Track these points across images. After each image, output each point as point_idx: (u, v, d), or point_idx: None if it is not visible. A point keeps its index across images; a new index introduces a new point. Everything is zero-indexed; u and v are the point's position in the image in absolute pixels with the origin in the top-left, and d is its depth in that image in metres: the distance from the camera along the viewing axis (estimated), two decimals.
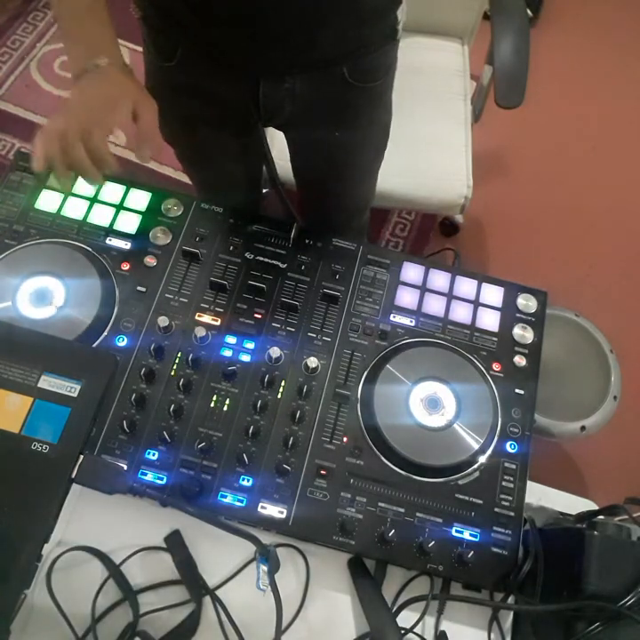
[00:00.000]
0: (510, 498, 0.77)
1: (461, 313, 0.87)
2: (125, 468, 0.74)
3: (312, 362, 0.79)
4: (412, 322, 0.85)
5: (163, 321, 0.79)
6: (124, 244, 0.86)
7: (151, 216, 0.88)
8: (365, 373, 0.81)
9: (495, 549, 0.75)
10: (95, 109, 0.68)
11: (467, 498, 0.76)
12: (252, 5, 0.71)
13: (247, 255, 0.87)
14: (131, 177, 0.91)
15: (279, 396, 0.79)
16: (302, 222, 0.89)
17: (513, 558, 0.74)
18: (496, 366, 0.84)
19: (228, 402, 0.78)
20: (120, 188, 0.89)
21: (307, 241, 0.89)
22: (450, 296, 0.88)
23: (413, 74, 1.47)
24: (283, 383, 0.80)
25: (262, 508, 0.74)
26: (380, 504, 0.75)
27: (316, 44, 0.79)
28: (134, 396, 0.76)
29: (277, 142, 1.35)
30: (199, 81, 0.86)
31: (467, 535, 0.75)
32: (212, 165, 1.09)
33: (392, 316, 0.85)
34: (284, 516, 0.74)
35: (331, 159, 1.00)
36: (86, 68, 0.69)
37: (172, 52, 0.83)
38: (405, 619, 0.74)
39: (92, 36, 0.72)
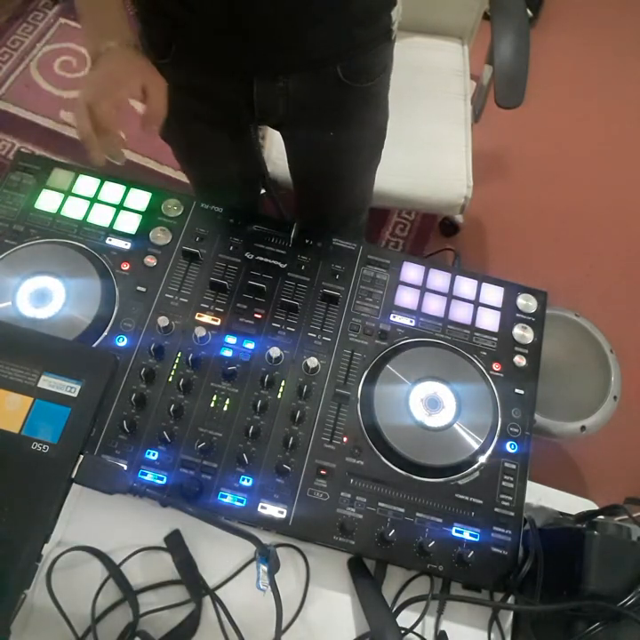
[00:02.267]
0: (510, 498, 0.77)
1: (461, 313, 0.87)
2: (125, 468, 0.74)
3: (312, 362, 0.79)
4: (412, 322, 0.85)
5: (163, 321, 0.79)
6: (124, 244, 0.86)
7: (151, 216, 0.88)
8: (365, 373, 0.81)
9: (495, 549, 0.75)
10: (103, 85, 0.70)
11: (467, 498, 0.76)
12: (242, 4, 0.72)
13: (247, 255, 0.87)
14: (131, 177, 0.91)
15: (279, 396, 0.79)
16: (299, 222, 0.89)
17: (513, 558, 0.74)
18: (496, 366, 0.84)
19: (227, 402, 0.78)
20: (120, 188, 0.90)
21: (307, 241, 0.89)
22: (450, 296, 0.88)
23: (413, 74, 1.47)
24: (283, 383, 0.80)
25: (262, 508, 0.74)
26: (380, 504, 0.75)
27: (308, 44, 0.79)
28: (134, 395, 0.76)
29: (277, 142, 1.35)
30: (193, 79, 0.86)
31: (467, 535, 0.75)
32: (209, 164, 1.09)
33: (392, 316, 0.85)
34: (284, 516, 0.74)
35: (326, 159, 1.00)
36: (99, 51, 0.72)
37: (166, 50, 0.83)
38: (405, 619, 0.74)
39: (103, 18, 0.74)
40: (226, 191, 1.13)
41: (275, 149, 1.36)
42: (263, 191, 1.34)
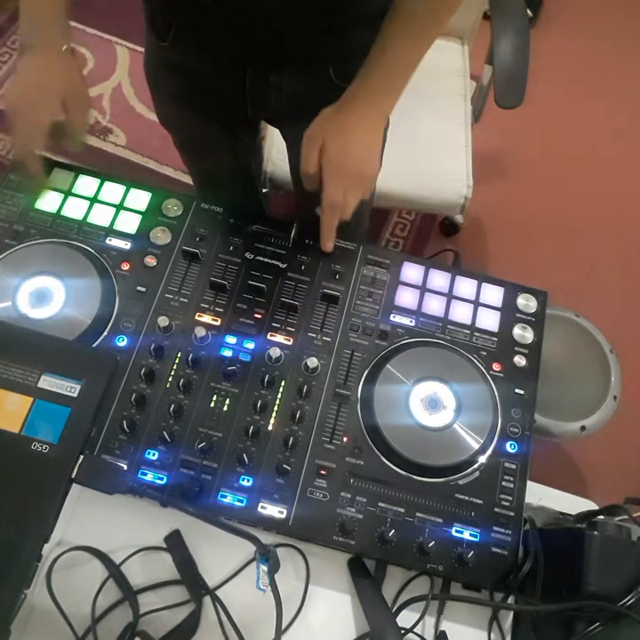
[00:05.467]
0: (510, 498, 0.77)
1: (461, 313, 0.87)
2: (125, 468, 0.74)
3: (312, 362, 0.79)
4: (412, 322, 0.85)
5: (163, 321, 0.79)
6: (124, 244, 0.86)
7: (151, 216, 0.88)
8: (365, 373, 0.81)
9: (495, 549, 0.75)
10: (25, 108, 0.73)
11: (467, 498, 0.76)
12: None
13: (247, 255, 0.87)
14: (131, 177, 0.91)
15: (279, 396, 0.79)
16: (299, 223, 0.89)
17: (513, 558, 0.74)
18: (496, 366, 0.84)
19: (227, 402, 0.78)
20: (120, 188, 0.90)
21: (307, 241, 0.89)
22: (450, 296, 0.88)
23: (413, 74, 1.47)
24: (283, 383, 0.80)
25: (262, 507, 0.74)
26: (380, 504, 0.75)
27: (301, 43, 0.80)
28: (134, 395, 0.76)
29: (277, 141, 1.35)
30: (190, 63, 0.88)
31: (467, 535, 0.75)
32: (207, 155, 1.09)
33: (392, 316, 0.85)
34: (284, 515, 0.74)
35: None
36: (26, 45, 0.73)
37: (166, 32, 0.85)
38: (405, 619, 0.74)
39: (39, 11, 0.74)
40: (223, 186, 1.13)
41: (275, 149, 1.36)
42: (265, 190, 1.34)
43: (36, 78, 0.74)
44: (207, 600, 0.74)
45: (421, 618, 0.74)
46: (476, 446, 0.77)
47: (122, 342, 0.80)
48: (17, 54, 0.78)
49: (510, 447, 0.79)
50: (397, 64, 0.75)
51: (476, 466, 0.77)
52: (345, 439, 0.78)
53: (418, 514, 0.75)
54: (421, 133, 1.43)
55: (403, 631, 0.73)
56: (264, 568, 0.63)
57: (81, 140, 0.80)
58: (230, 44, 0.82)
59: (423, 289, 0.88)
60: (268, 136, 1.39)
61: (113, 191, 0.89)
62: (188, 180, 1.28)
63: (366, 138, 0.78)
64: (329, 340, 0.83)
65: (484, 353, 0.84)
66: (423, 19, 0.73)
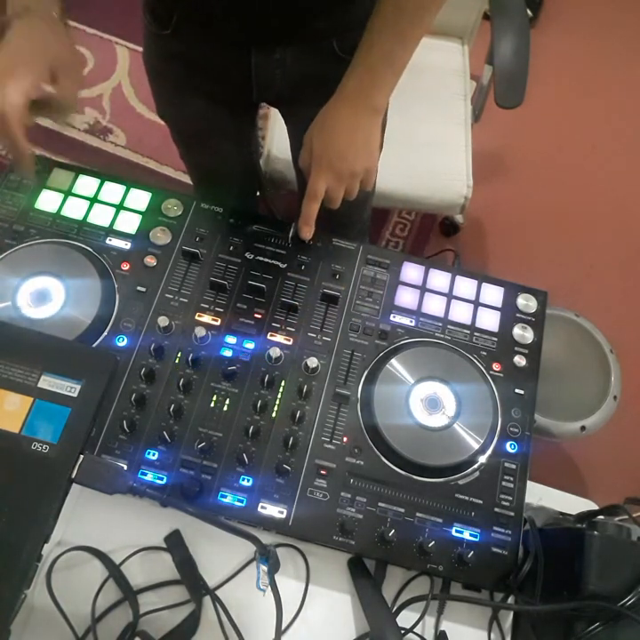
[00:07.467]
0: (510, 498, 0.77)
1: (461, 313, 0.87)
2: (125, 467, 0.74)
3: (312, 362, 0.79)
4: (412, 322, 0.85)
5: (163, 321, 0.79)
6: (124, 244, 0.86)
7: (151, 216, 0.88)
8: (365, 373, 0.81)
9: (495, 549, 0.75)
10: (9, 72, 0.66)
11: (467, 498, 0.76)
12: None
13: (247, 255, 0.87)
14: (131, 177, 0.91)
15: (279, 396, 0.79)
16: (297, 221, 0.89)
17: (513, 558, 0.74)
18: (496, 366, 0.84)
19: (227, 402, 0.78)
20: (120, 188, 0.89)
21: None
22: (450, 296, 0.88)
23: (413, 74, 1.46)
24: (283, 383, 0.80)
25: (262, 507, 0.74)
26: (380, 504, 0.75)
27: (305, 17, 0.80)
28: (134, 395, 0.76)
29: (277, 139, 1.36)
30: (193, 50, 0.87)
31: (467, 535, 0.75)
32: (208, 147, 1.09)
33: (392, 316, 0.85)
34: (284, 515, 0.74)
35: None
36: (13, 14, 0.68)
37: (168, 20, 0.84)
38: (405, 619, 0.74)
39: None
40: (222, 180, 1.12)
41: (274, 149, 1.36)
42: (258, 193, 1.34)
43: (21, 45, 0.67)
44: (207, 600, 0.74)
45: (421, 618, 0.74)
46: (476, 446, 0.77)
47: (122, 342, 0.80)
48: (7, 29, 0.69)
49: (510, 447, 0.79)
50: (384, 58, 0.75)
51: (475, 466, 0.77)
52: (345, 439, 0.78)
53: (418, 514, 0.75)
54: (421, 133, 1.43)
55: (403, 631, 0.73)
56: (264, 568, 0.63)
57: (69, 112, 0.72)
58: (234, 25, 0.82)
59: (423, 289, 0.88)
60: (267, 136, 1.39)
61: (113, 191, 0.89)
62: (188, 179, 1.28)
63: (353, 134, 0.78)
64: (329, 340, 0.83)
65: (484, 353, 0.84)
66: (410, 12, 0.73)
